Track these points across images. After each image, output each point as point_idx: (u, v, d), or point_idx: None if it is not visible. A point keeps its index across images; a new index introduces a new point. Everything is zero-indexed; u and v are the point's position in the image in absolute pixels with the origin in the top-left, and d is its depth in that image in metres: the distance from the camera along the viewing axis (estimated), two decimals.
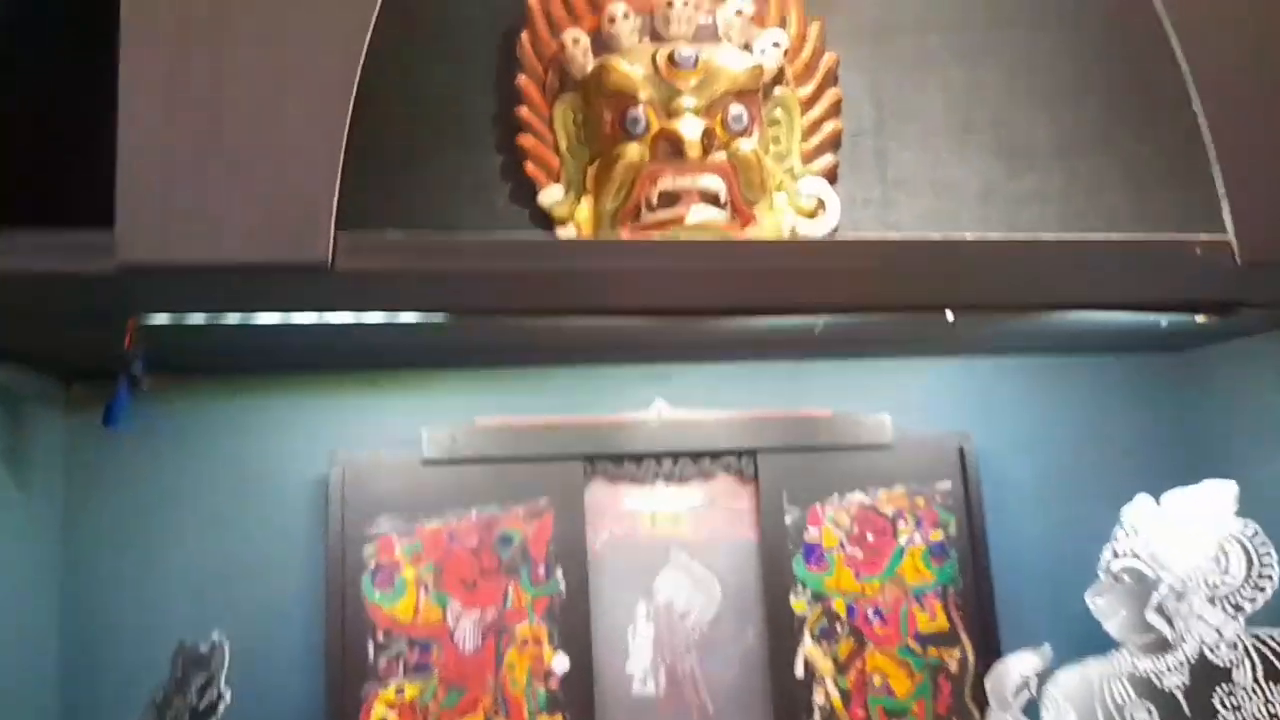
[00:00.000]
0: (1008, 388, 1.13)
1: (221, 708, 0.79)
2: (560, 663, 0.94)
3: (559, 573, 0.96)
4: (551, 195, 0.80)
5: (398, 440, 0.96)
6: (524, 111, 0.82)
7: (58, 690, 0.91)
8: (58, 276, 0.63)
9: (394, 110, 0.76)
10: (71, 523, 0.93)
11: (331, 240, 0.62)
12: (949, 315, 0.85)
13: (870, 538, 1.03)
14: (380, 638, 0.91)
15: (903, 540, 1.03)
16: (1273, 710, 0.77)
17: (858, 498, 1.04)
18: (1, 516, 0.84)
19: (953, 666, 1.01)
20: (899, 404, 1.07)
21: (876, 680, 0.99)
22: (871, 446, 1.05)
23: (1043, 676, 0.89)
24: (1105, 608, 0.88)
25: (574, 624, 0.95)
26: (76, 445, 0.93)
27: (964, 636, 1.02)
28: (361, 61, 0.68)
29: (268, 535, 0.96)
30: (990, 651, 1.00)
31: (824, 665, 0.99)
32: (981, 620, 1.02)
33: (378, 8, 0.69)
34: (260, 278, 0.63)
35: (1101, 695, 0.85)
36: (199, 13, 0.64)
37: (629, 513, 1.01)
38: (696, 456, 1.03)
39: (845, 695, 0.98)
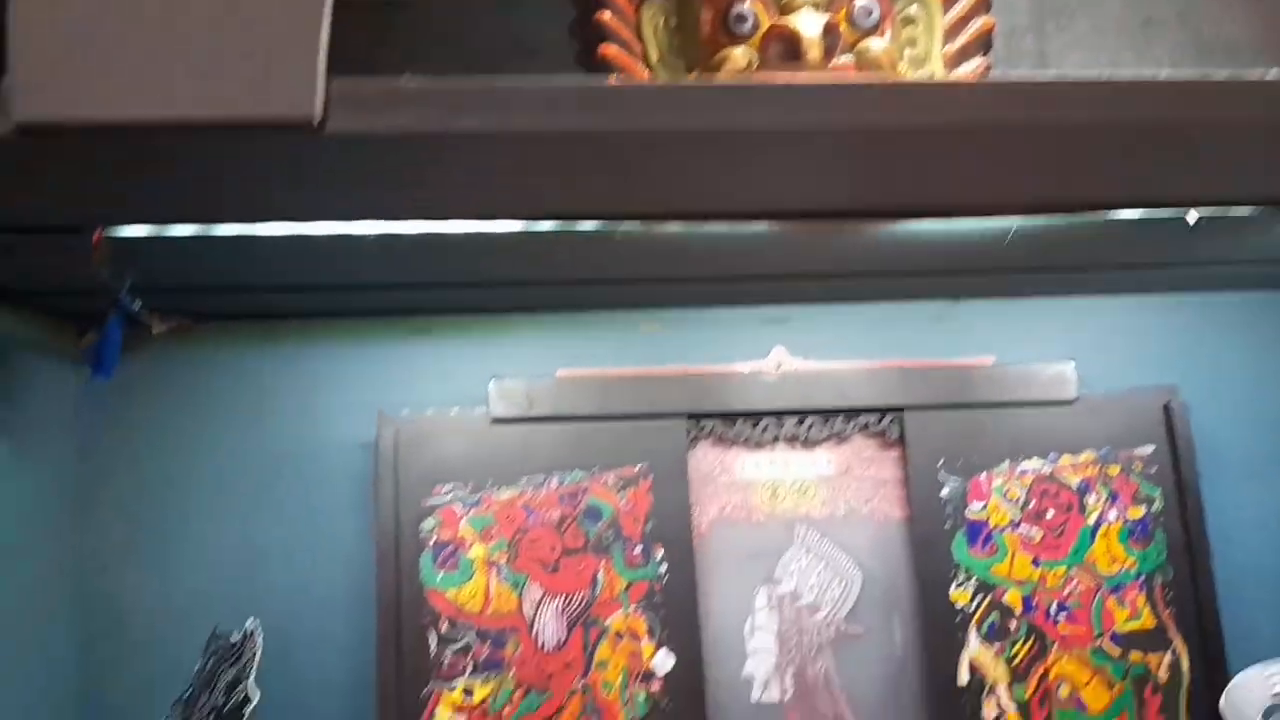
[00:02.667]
0: (1223, 330, 0.90)
1: (248, 711, 0.65)
2: (663, 661, 0.76)
3: (659, 554, 0.78)
4: None
5: (460, 396, 0.80)
6: (606, 17, 0.70)
7: (76, 682, 0.78)
8: None
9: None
10: (84, 492, 0.80)
11: (321, 90, 0.45)
12: (1191, 217, 0.64)
13: (1051, 514, 0.82)
14: (444, 629, 0.75)
15: (1092, 518, 0.82)
16: None
17: (1033, 465, 0.83)
18: (3, 487, 0.72)
19: (1162, 674, 0.79)
20: (1083, 350, 0.86)
21: (1064, 691, 0.78)
22: (1049, 403, 0.84)
23: None
24: None
25: (679, 615, 0.77)
26: (88, 404, 0.80)
27: (1176, 637, 0.80)
28: None
29: (308, 508, 0.81)
30: (1211, 655, 0.78)
31: (995, 671, 0.79)
32: (1199, 616, 0.80)
33: None
34: (220, 143, 0.46)
35: None
36: None
37: (744, 483, 0.83)
38: (827, 416, 0.84)
39: (1024, 708, 0.78)
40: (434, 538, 0.77)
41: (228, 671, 0.71)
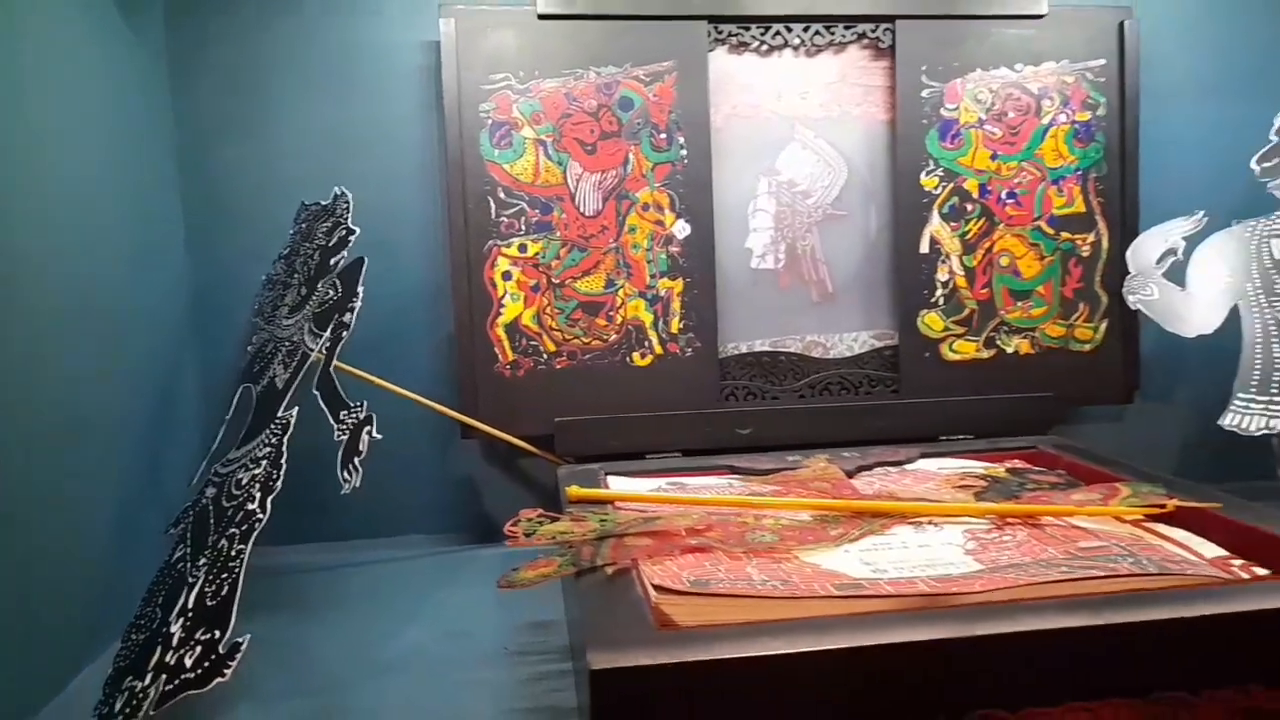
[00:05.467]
0: None
1: (352, 240, 0.78)
2: (681, 229, 0.92)
3: (681, 140, 0.92)
4: None
5: None
6: None
7: (182, 249, 0.92)
8: None
9: None
10: (177, 73, 0.90)
11: None
12: None
13: (1011, 115, 0.96)
14: (501, 195, 0.89)
15: (1046, 119, 0.96)
16: None
17: (1002, 73, 0.96)
18: (99, 57, 0.81)
19: (1085, 250, 0.97)
20: None
21: (1004, 260, 0.97)
22: (1022, 16, 0.95)
23: (1193, 242, 0.85)
24: (1273, 169, 0.82)
25: (696, 192, 0.92)
26: None
27: (1100, 221, 0.97)
28: None
29: (381, 95, 0.93)
30: (1128, 238, 0.95)
31: (951, 244, 0.96)
32: (1123, 206, 0.97)
33: None
34: None
35: (1258, 252, 0.80)
36: None
37: (753, 85, 0.95)
38: (829, 24, 0.94)
39: (970, 274, 0.96)
40: (490, 119, 0.89)
41: (324, 223, 0.84)
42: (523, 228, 0.90)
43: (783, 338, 0.96)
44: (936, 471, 0.82)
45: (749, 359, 0.96)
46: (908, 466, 0.84)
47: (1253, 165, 0.83)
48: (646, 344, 0.92)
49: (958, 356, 0.96)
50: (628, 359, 0.91)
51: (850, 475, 0.81)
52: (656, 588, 0.55)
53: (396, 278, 0.94)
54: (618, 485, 0.79)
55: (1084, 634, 0.47)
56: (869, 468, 0.83)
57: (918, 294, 0.95)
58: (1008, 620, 0.48)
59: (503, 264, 0.89)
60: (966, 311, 0.96)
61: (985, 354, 0.97)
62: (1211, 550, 0.62)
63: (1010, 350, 0.97)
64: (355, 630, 0.74)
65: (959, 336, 0.96)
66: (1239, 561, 0.60)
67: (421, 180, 0.93)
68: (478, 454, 0.97)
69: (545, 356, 0.90)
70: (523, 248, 0.90)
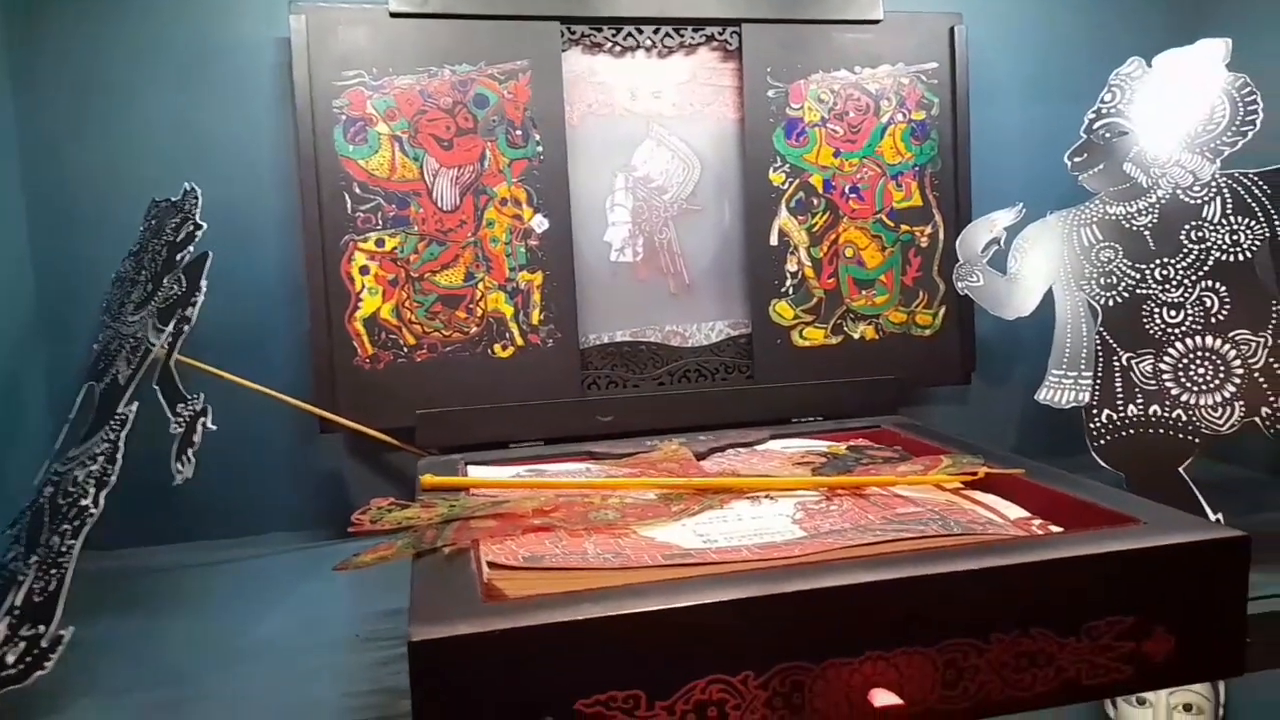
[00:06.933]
0: None
1: (199, 235, 0.78)
2: (540, 223, 0.94)
3: (537, 136, 0.94)
4: None
5: None
6: None
7: (28, 247, 0.90)
8: None
9: None
10: (21, 73, 0.88)
11: None
12: None
13: (852, 115, 1.01)
14: (356, 191, 0.90)
15: (885, 119, 1.02)
16: (1236, 239, 0.80)
17: (842, 75, 1.01)
18: None
19: (923, 241, 1.03)
20: None
21: (849, 252, 1.02)
22: (860, 22, 1.01)
23: (1014, 232, 0.91)
24: (1083, 164, 0.88)
25: (553, 188, 0.94)
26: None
27: (937, 214, 1.04)
28: None
29: (235, 93, 0.92)
30: (962, 228, 1.01)
31: (798, 236, 1.01)
32: (956, 200, 1.03)
33: None
34: None
35: (1069, 239, 0.87)
36: None
37: (608, 84, 0.98)
38: (679, 27, 0.98)
39: (817, 264, 1.01)
40: (344, 115, 0.89)
41: (172, 219, 0.83)
42: (380, 222, 0.90)
43: (642, 328, 0.99)
44: (782, 451, 0.86)
45: (610, 349, 0.99)
46: (758, 447, 0.88)
47: (1066, 160, 0.90)
48: (508, 336, 0.94)
49: (807, 343, 1.01)
50: (489, 351, 0.93)
51: (703, 457, 0.84)
52: (491, 565, 0.57)
53: (256, 275, 0.94)
54: (476, 474, 0.80)
55: (881, 588, 0.51)
56: (721, 449, 0.87)
57: (769, 284, 1.00)
58: (811, 579, 0.51)
59: (360, 258, 0.90)
60: (815, 300, 1.01)
61: (833, 340, 1.02)
62: (1016, 512, 0.67)
63: (856, 336, 1.02)
64: (208, 625, 0.74)
65: (808, 324, 1.01)
66: (1038, 521, 0.65)
67: (277, 177, 0.93)
68: (342, 449, 0.97)
69: (406, 350, 0.91)
70: (380, 242, 0.90)
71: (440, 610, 0.48)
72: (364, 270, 0.90)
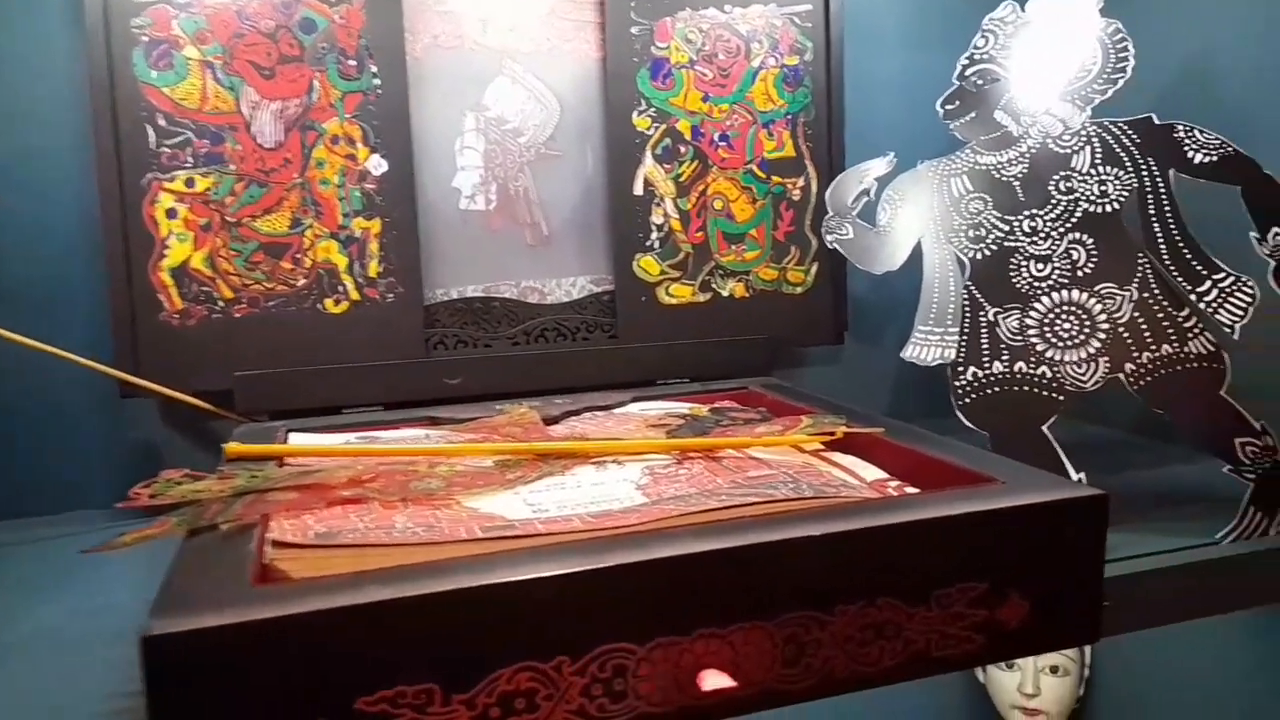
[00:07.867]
0: None
1: None
2: (377, 164, 0.85)
3: (373, 68, 0.85)
4: None
5: None
6: None
7: None
8: None
9: None
10: None
11: None
12: None
13: (722, 57, 0.95)
14: (161, 123, 0.79)
15: (756, 62, 0.96)
16: (1104, 189, 0.77)
17: (711, 14, 0.95)
18: None
19: (795, 194, 0.99)
20: None
21: (718, 204, 0.96)
22: None
23: (884, 182, 0.87)
24: (954, 111, 0.85)
25: (392, 125, 0.85)
26: None
27: (810, 165, 0.99)
28: None
29: (14, 6, 0.80)
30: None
31: (665, 186, 0.94)
32: (829, 150, 0.99)
33: None
34: None
35: (939, 190, 0.83)
36: None
37: (456, 14, 0.90)
38: None
39: (685, 217, 0.95)
40: (146, 36, 0.78)
41: None
42: (189, 159, 0.80)
43: (496, 283, 0.92)
44: (640, 414, 0.80)
45: (459, 305, 0.91)
46: (616, 411, 0.82)
47: (937, 108, 0.86)
48: (341, 289, 0.85)
49: (674, 300, 0.95)
50: (319, 305, 0.84)
51: (554, 421, 0.78)
52: (275, 543, 0.49)
53: (48, 221, 0.82)
54: (297, 442, 0.72)
55: (713, 558, 0.46)
56: (577, 413, 0.81)
57: (633, 238, 0.93)
58: (636, 550, 0.46)
59: (166, 200, 0.80)
60: (682, 255, 0.95)
61: (701, 298, 0.96)
62: (873, 473, 0.63)
63: (726, 294, 0.97)
64: None
65: (675, 280, 0.95)
66: (895, 483, 0.61)
67: (70, 110, 0.81)
68: (156, 418, 0.87)
69: (222, 304, 0.81)
70: (190, 182, 0.80)
71: (191, 598, 0.41)
72: (171, 213, 0.80)
